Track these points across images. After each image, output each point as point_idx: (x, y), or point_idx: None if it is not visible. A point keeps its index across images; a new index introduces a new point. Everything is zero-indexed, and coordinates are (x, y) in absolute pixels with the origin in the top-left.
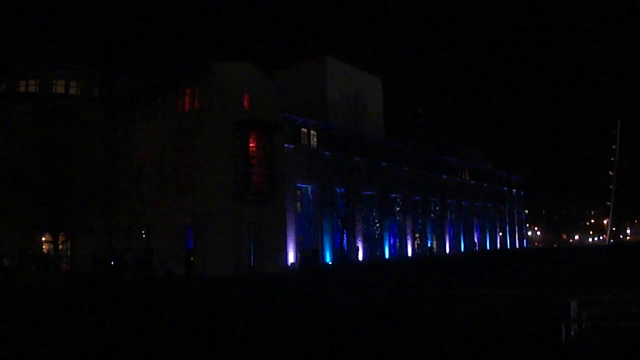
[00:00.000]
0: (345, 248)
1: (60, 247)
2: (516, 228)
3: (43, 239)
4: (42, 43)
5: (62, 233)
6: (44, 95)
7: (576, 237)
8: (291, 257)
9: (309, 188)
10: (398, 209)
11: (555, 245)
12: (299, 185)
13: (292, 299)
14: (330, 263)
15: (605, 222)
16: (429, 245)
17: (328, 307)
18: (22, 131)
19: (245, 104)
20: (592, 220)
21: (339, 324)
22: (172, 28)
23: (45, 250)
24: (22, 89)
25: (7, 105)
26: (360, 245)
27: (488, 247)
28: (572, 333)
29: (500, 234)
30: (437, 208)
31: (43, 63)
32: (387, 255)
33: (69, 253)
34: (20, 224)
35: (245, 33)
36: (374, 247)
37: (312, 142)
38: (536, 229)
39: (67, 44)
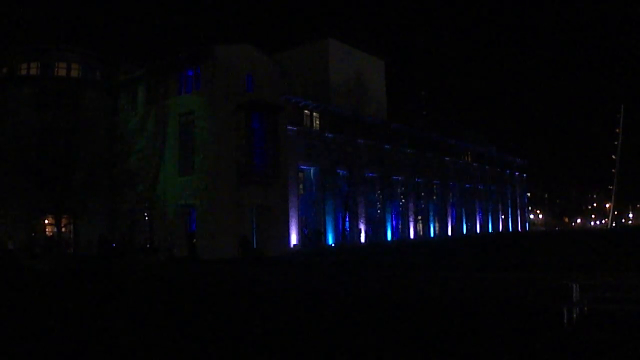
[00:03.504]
0: (348, 230)
1: (63, 230)
2: (518, 211)
3: (46, 222)
4: (44, 26)
5: (65, 216)
6: (45, 78)
7: (578, 220)
8: (294, 239)
9: (312, 170)
10: (400, 191)
11: (557, 229)
12: (302, 167)
13: (293, 281)
14: (332, 245)
15: (607, 206)
16: (432, 227)
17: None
18: (24, 114)
19: (247, 86)
20: (595, 204)
21: (336, 307)
22: (174, 10)
23: (48, 234)
24: (24, 72)
25: (8, 89)
26: (362, 227)
27: (490, 230)
28: (574, 316)
29: (502, 217)
30: (439, 191)
31: (45, 46)
32: (389, 238)
33: (72, 236)
34: (23, 207)
35: (247, 15)
36: (376, 229)
37: (314, 124)
38: (538, 212)
39: (68, 27)
